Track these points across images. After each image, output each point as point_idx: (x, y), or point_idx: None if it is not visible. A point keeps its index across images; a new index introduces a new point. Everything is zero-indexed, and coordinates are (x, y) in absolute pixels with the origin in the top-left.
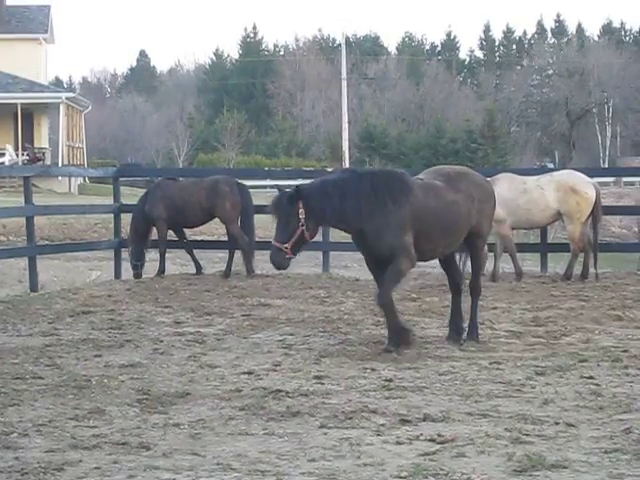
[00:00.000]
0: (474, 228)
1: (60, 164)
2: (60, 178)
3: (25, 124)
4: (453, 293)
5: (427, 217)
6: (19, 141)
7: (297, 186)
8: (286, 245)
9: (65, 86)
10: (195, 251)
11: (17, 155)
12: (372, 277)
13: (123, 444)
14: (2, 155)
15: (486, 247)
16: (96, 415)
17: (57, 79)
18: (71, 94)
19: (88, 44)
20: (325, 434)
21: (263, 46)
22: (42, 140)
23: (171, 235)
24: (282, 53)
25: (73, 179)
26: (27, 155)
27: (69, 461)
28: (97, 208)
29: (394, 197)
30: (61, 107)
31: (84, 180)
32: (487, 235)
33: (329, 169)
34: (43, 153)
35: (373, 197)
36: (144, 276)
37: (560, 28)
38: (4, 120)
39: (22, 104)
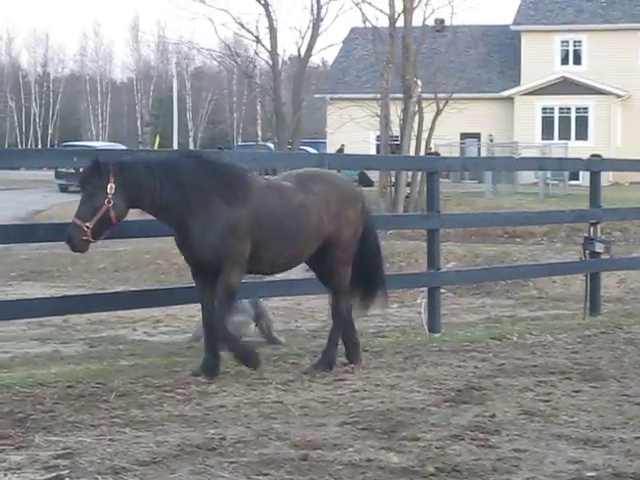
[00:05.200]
0: (330, 237)
1: None
2: None
3: None
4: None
5: (267, 223)
6: None
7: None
8: (87, 224)
9: None
10: None
11: None
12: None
13: None
14: None
15: None
16: None
17: None
18: None
19: None
20: None
21: None
22: None
23: None
24: None
25: None
26: None
27: None
28: None
29: (230, 193)
30: None
31: None
32: (349, 247)
33: None
34: None
35: (206, 188)
36: None
37: None
38: None
39: None
